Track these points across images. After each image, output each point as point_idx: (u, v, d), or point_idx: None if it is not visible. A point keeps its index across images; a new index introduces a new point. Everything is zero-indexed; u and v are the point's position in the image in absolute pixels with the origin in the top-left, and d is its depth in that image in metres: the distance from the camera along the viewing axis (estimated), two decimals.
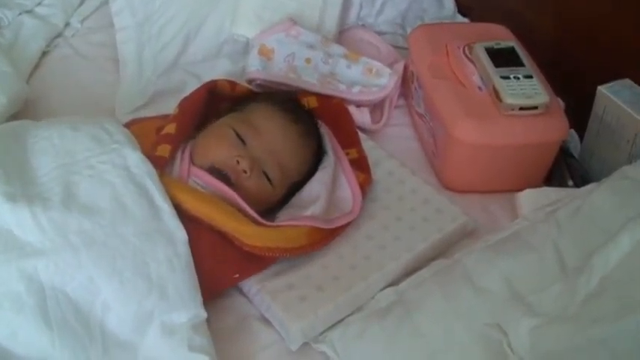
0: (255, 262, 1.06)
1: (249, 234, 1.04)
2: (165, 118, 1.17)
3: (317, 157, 1.21)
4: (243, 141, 1.13)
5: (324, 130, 1.25)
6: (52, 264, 0.90)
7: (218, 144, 1.13)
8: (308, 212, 1.11)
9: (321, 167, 1.20)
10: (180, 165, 1.13)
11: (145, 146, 1.07)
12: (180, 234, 0.99)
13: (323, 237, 1.10)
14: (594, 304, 0.85)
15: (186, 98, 1.19)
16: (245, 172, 1.10)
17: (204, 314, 0.97)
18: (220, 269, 1.04)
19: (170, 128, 1.12)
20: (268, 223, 1.08)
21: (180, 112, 1.16)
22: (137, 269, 0.94)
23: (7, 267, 0.89)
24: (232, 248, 1.04)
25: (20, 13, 1.52)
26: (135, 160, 1.03)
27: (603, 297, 0.85)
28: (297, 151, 1.17)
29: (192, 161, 1.13)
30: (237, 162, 1.10)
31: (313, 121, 1.24)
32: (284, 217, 1.11)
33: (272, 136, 1.14)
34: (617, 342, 0.81)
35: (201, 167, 1.10)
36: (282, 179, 1.15)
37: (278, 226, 1.08)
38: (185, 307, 0.95)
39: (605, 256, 0.88)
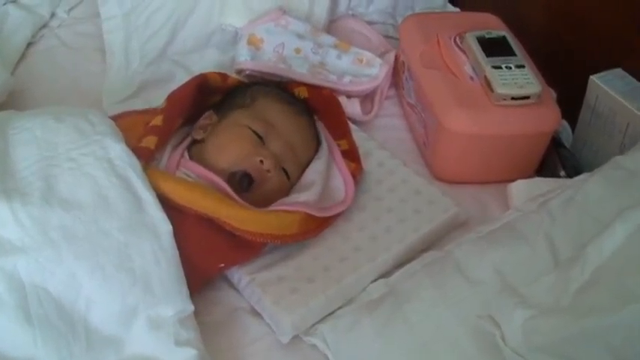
0: (241, 251, 1.05)
1: (242, 218, 1.03)
2: (153, 112, 1.15)
3: (317, 146, 1.22)
4: (261, 139, 1.12)
5: (317, 120, 1.25)
6: (33, 261, 0.88)
7: (237, 145, 1.12)
8: (302, 198, 1.10)
9: (315, 157, 1.20)
10: (170, 157, 1.13)
11: (131, 139, 1.06)
12: (164, 226, 0.97)
13: (315, 226, 1.10)
14: (588, 294, 0.84)
15: (175, 91, 1.18)
16: (268, 171, 1.10)
17: (191, 308, 0.96)
18: (205, 259, 1.03)
19: (157, 120, 1.11)
20: (260, 209, 1.06)
21: (169, 104, 1.15)
22: (120, 263, 0.92)
23: None
24: (218, 237, 1.03)
25: (5, 3, 1.50)
26: (117, 151, 1.01)
27: (597, 288, 0.84)
28: (309, 142, 1.20)
29: (192, 158, 1.13)
30: (261, 162, 1.10)
31: (311, 111, 1.25)
32: (277, 203, 1.10)
33: (288, 132, 1.15)
34: (611, 333, 0.80)
35: (221, 173, 1.09)
36: (298, 173, 1.16)
37: (270, 211, 1.07)
38: (171, 301, 0.94)
39: (599, 247, 0.87)
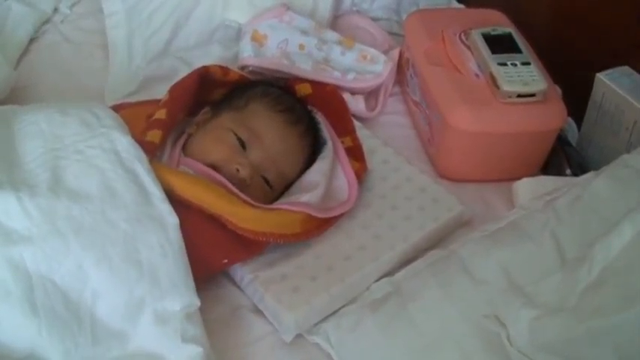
0: (245, 247, 1.04)
1: (244, 216, 1.02)
2: (155, 104, 1.14)
3: (315, 149, 1.20)
4: (243, 145, 1.11)
5: (321, 119, 1.24)
6: (40, 251, 0.88)
7: (218, 148, 1.11)
8: (304, 199, 1.09)
9: (320, 157, 1.18)
10: (171, 153, 1.12)
11: (134, 132, 1.05)
12: (171, 219, 0.97)
13: (317, 226, 1.09)
14: (595, 294, 0.83)
15: (177, 84, 1.17)
16: (245, 180, 1.09)
17: (197, 302, 0.95)
18: (209, 254, 1.02)
19: (160, 114, 1.10)
20: (263, 206, 1.06)
21: (171, 97, 1.14)
22: (127, 255, 0.91)
23: None
24: (222, 232, 1.02)
25: None
26: (124, 144, 1.01)
27: (605, 287, 0.83)
28: (296, 155, 1.17)
29: (185, 153, 1.12)
30: (237, 170, 1.09)
31: (310, 114, 1.22)
32: (278, 202, 1.09)
33: (273, 143, 1.13)
34: (619, 333, 0.80)
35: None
36: (280, 183, 1.15)
37: (272, 209, 1.06)
38: (178, 294, 0.93)
39: (607, 246, 0.86)
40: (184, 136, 1.16)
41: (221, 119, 1.15)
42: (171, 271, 0.94)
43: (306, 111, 1.22)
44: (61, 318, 0.87)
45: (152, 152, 1.05)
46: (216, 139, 1.12)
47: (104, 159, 0.98)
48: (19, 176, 0.94)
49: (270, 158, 1.12)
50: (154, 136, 1.07)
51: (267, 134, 1.13)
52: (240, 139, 1.11)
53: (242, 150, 1.11)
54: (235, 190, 1.06)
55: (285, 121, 1.15)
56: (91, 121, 1.03)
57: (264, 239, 1.03)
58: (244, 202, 1.05)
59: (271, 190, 1.13)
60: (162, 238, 0.95)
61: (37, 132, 1.00)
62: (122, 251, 0.92)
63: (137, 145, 1.02)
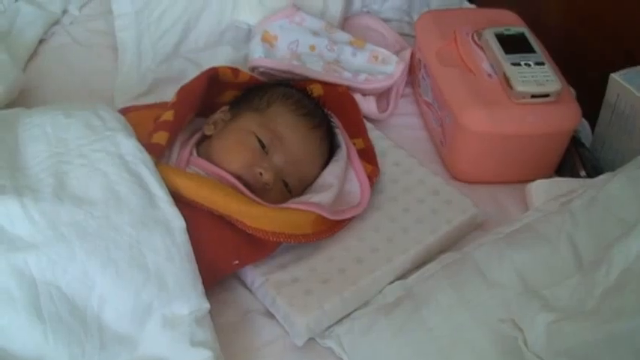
0: (256, 248, 1.03)
1: (254, 215, 1.02)
2: (163, 107, 1.14)
3: (331, 152, 1.19)
4: (265, 149, 1.10)
5: (336, 122, 1.23)
6: (44, 257, 0.87)
7: (240, 151, 1.10)
8: (315, 199, 1.08)
9: (333, 160, 1.17)
10: (180, 153, 1.11)
11: (141, 135, 1.04)
12: (177, 222, 0.96)
13: (328, 227, 1.08)
14: (614, 298, 0.82)
15: (185, 85, 1.16)
16: (267, 184, 1.08)
17: (206, 306, 0.95)
18: (219, 255, 1.01)
19: (168, 115, 1.10)
20: (272, 205, 1.05)
21: (179, 99, 1.14)
22: (133, 260, 0.91)
23: None
24: (232, 233, 1.01)
25: (17, 0, 1.49)
26: (129, 147, 1.00)
27: (624, 291, 0.82)
28: (316, 159, 1.16)
29: (200, 153, 1.11)
30: (260, 174, 1.08)
31: (327, 117, 1.21)
32: (290, 201, 1.09)
33: (295, 146, 1.12)
34: (638, 337, 0.78)
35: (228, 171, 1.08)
36: (299, 187, 1.14)
37: (282, 208, 1.05)
38: (186, 298, 0.93)
39: (625, 249, 0.85)
40: (197, 136, 1.15)
41: (241, 121, 1.14)
42: (179, 274, 0.93)
43: (325, 115, 1.21)
44: (67, 324, 0.86)
45: (158, 154, 1.04)
46: (237, 142, 1.11)
47: (108, 163, 0.97)
48: (23, 181, 0.93)
49: (292, 162, 1.11)
50: (161, 137, 1.06)
51: (290, 138, 1.12)
52: (261, 142, 1.10)
53: (264, 153, 1.10)
54: (243, 189, 1.05)
55: (306, 125, 1.15)
56: (96, 124, 1.02)
57: (274, 239, 1.02)
58: (253, 201, 1.04)
59: (290, 194, 1.12)
60: (168, 241, 0.94)
61: (42, 135, 1.00)
62: (128, 256, 0.91)
63: (142, 148, 1.01)
